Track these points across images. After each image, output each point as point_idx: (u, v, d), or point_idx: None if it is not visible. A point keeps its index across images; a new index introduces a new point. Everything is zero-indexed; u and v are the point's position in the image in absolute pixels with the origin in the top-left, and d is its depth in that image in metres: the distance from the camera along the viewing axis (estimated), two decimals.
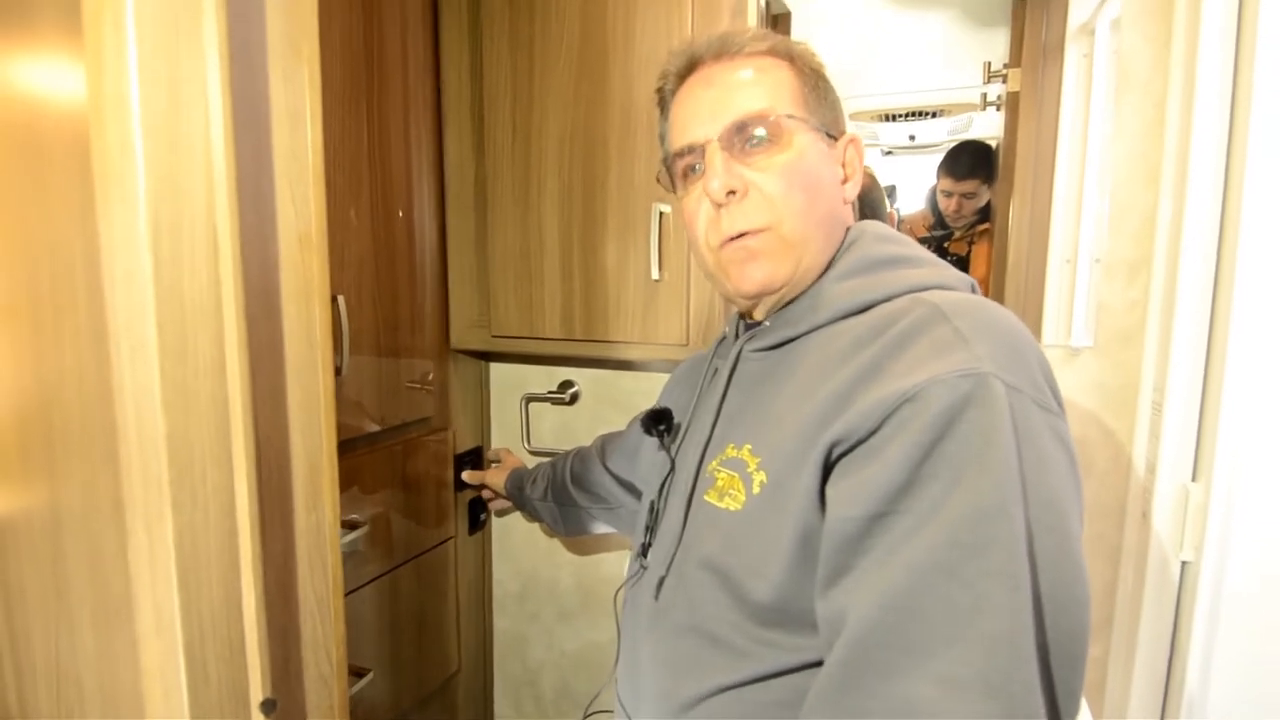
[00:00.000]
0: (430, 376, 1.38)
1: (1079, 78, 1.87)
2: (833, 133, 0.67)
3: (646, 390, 1.47)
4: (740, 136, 0.63)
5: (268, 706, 0.50)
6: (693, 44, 0.68)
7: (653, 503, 0.77)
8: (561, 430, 1.52)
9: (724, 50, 0.66)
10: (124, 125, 0.41)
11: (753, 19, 1.18)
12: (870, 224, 0.69)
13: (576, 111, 1.22)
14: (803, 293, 0.66)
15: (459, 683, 1.56)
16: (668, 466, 0.75)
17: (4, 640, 0.87)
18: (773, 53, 0.66)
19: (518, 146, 1.27)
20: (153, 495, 0.45)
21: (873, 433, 0.51)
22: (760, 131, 0.63)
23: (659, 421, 0.79)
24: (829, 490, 0.53)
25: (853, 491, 0.50)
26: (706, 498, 0.65)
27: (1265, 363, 0.89)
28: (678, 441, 0.77)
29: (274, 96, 0.51)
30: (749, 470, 0.60)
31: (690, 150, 0.65)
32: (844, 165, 0.68)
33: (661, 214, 1.18)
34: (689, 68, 0.67)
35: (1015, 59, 1.98)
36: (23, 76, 0.57)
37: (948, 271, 0.64)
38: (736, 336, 0.74)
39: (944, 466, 0.47)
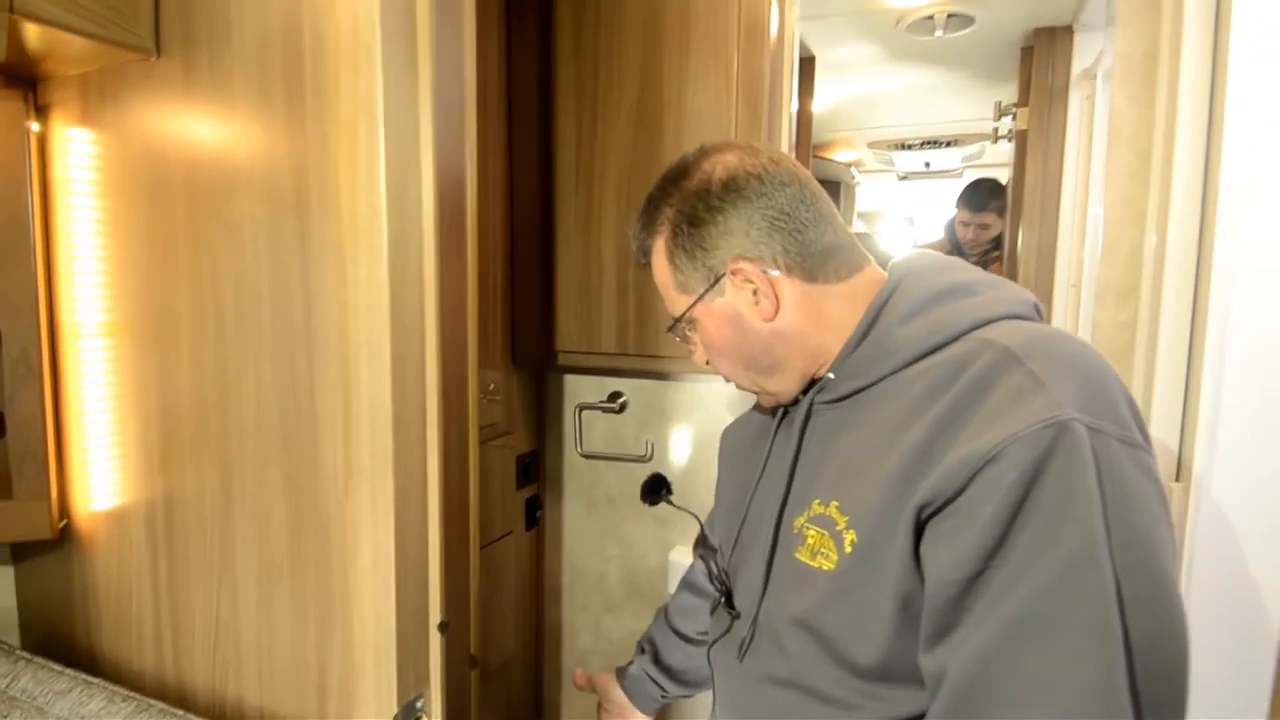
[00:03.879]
0: (493, 387, 1.55)
1: (1082, 119, 2.04)
2: (718, 274, 0.67)
3: (685, 401, 1.63)
4: (675, 329, 0.75)
5: (443, 627, 0.67)
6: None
7: (719, 563, 0.78)
8: (611, 436, 1.69)
9: (642, 260, 0.75)
10: (373, 197, 0.59)
11: (786, 68, 1.37)
12: (918, 257, 0.68)
13: (635, 156, 1.40)
14: (864, 339, 0.65)
15: (514, 666, 1.71)
16: (736, 525, 0.77)
17: (165, 603, 1.04)
18: (655, 232, 0.71)
19: (580, 186, 1.45)
20: (379, 465, 0.62)
21: (959, 493, 0.51)
22: (679, 327, 0.74)
23: (657, 490, 0.87)
24: (924, 552, 0.53)
25: (950, 556, 0.51)
26: (798, 556, 0.63)
27: (1237, 378, 1.04)
28: (750, 498, 0.76)
29: (449, 167, 0.68)
30: (838, 528, 0.59)
31: None
32: (754, 293, 0.67)
33: None
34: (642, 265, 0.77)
35: (1024, 99, 2.15)
36: (244, 144, 0.76)
37: (1006, 291, 0.63)
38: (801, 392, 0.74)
39: (1033, 521, 0.48)
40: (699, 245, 0.68)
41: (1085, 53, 2.03)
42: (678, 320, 0.72)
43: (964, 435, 0.52)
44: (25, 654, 1.06)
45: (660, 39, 1.38)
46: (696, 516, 0.84)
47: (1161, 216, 1.16)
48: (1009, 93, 2.57)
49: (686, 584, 1.01)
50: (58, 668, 1.02)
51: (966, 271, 0.66)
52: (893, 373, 0.62)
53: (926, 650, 0.53)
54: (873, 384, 0.63)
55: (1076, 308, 1.96)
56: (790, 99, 1.38)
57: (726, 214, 0.66)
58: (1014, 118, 2.25)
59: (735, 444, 0.88)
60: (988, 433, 0.50)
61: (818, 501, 0.62)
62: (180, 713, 0.93)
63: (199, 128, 0.94)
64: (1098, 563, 0.47)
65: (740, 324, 0.68)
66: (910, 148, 3.38)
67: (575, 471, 1.74)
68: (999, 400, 0.51)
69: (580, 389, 1.71)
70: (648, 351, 1.46)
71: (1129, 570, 0.47)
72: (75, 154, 1.05)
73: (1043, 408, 0.49)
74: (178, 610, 1.04)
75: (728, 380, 0.75)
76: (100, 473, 1.09)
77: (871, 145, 3.28)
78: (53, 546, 1.15)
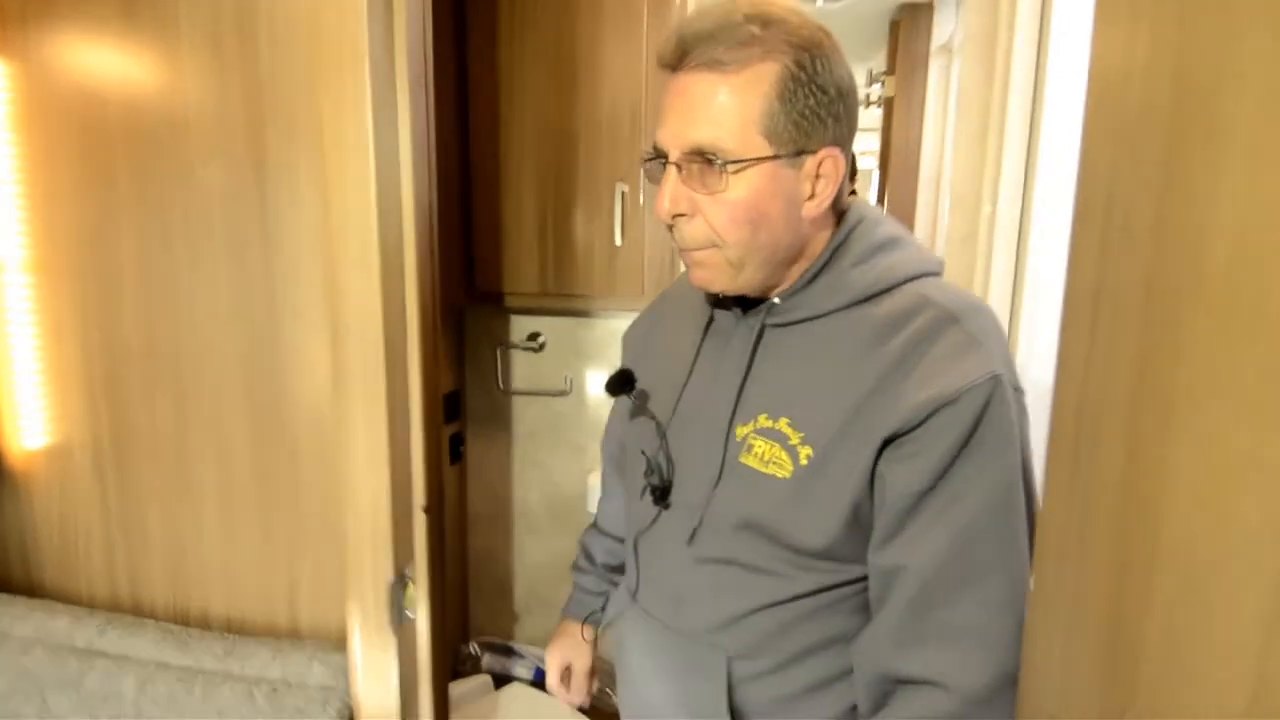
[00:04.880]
0: None
1: (939, 86, 2.32)
2: (806, 150, 0.65)
3: (601, 338, 1.78)
4: (693, 162, 0.64)
5: (426, 510, 0.79)
6: (684, 26, 0.64)
7: (652, 454, 0.78)
8: (531, 374, 1.81)
9: (704, 55, 0.63)
10: (361, 131, 0.68)
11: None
12: (866, 207, 0.73)
13: (552, 104, 1.50)
14: (819, 274, 0.70)
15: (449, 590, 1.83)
16: (657, 429, 0.79)
17: (117, 531, 1.08)
18: (764, 56, 0.62)
19: (500, 131, 1.53)
20: (372, 369, 0.72)
21: (919, 425, 0.62)
22: (713, 160, 0.63)
23: (627, 383, 0.82)
24: (883, 469, 0.64)
25: (907, 474, 0.63)
26: (744, 461, 0.69)
27: (1044, 298, 1.31)
28: (675, 398, 0.78)
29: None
30: (791, 443, 0.67)
31: (657, 152, 0.67)
32: (815, 181, 0.66)
33: (623, 192, 1.49)
34: (677, 58, 0.65)
35: (891, 68, 2.41)
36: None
37: (924, 250, 0.74)
38: (719, 304, 0.77)
39: (976, 453, 0.62)
40: (814, 106, 0.63)
41: (943, 27, 2.30)
42: (714, 155, 0.63)
43: (916, 378, 0.63)
44: None
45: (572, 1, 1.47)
46: (657, 421, 0.79)
47: (995, 172, 1.42)
48: (879, 62, 2.84)
49: (605, 485, 1.05)
50: (9, 595, 1.05)
51: (895, 226, 0.74)
52: (837, 310, 0.69)
53: (879, 548, 0.65)
54: (819, 316, 0.69)
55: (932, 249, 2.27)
56: None
57: (846, 98, 0.66)
58: (883, 85, 2.51)
59: (646, 340, 0.90)
60: (943, 380, 0.62)
61: (764, 416, 0.69)
62: (152, 620, 1.00)
63: (140, 62, 0.96)
64: (1018, 485, 0.63)
65: (791, 206, 0.66)
66: None
67: (496, 408, 1.86)
68: (945, 352, 0.63)
69: (498, 328, 1.81)
70: (565, 290, 1.59)
71: (1029, 489, 0.65)
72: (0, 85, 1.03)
73: (982, 362, 0.62)
74: (131, 536, 1.08)
75: (691, 248, 0.68)
76: (33, 410, 1.10)
77: None
78: None
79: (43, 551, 1.13)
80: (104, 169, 1.00)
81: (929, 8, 2.31)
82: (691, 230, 0.67)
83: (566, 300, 1.60)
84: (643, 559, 0.81)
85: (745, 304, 0.74)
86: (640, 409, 0.81)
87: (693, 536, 0.73)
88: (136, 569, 1.08)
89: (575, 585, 1.04)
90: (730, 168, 0.63)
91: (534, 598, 1.93)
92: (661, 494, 0.76)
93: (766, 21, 0.63)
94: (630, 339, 0.95)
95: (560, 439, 1.84)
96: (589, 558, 1.03)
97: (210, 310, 0.98)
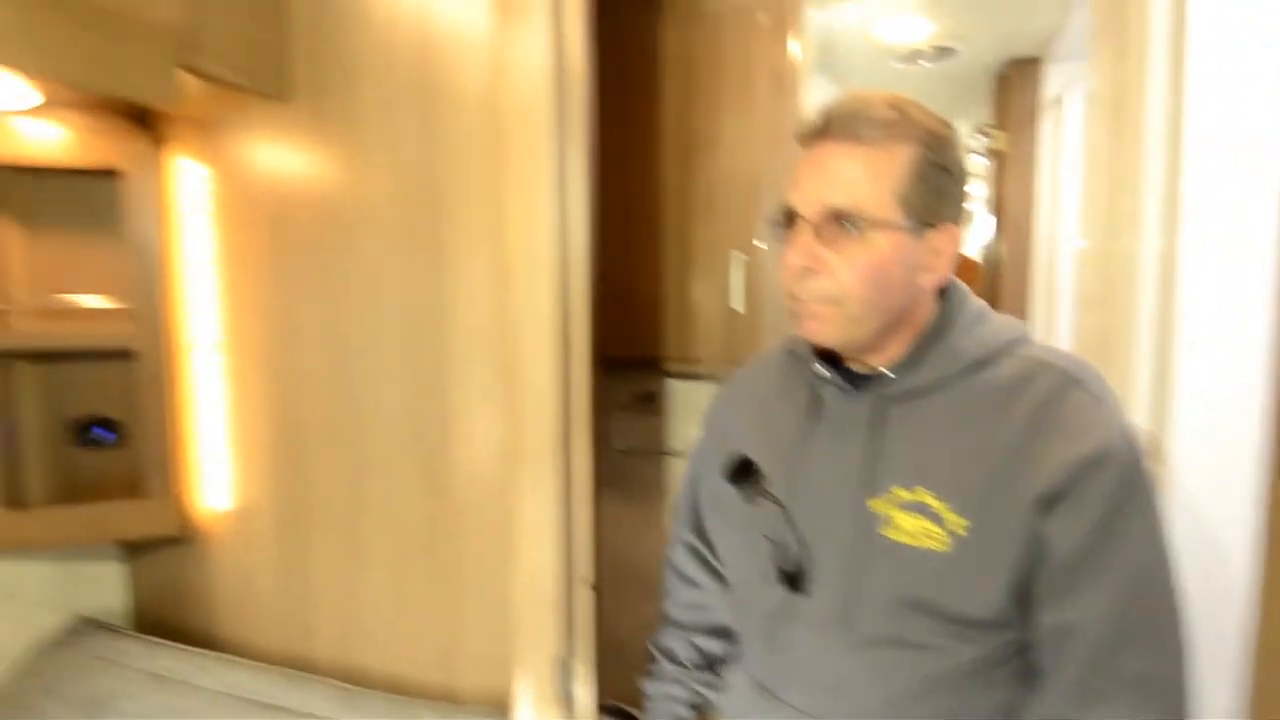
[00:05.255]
0: None
1: (1053, 141, 2.27)
2: (930, 223, 0.70)
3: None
4: (827, 223, 0.69)
5: (592, 587, 0.82)
6: (831, 107, 0.71)
7: (777, 537, 0.76)
8: (647, 434, 1.85)
9: (847, 131, 0.69)
10: (543, 224, 0.75)
11: (800, 101, 1.55)
12: (958, 282, 0.77)
13: (674, 182, 1.57)
14: (932, 343, 0.73)
15: None
16: (777, 510, 0.77)
17: (293, 589, 1.17)
18: (897, 137, 0.69)
19: (630, 208, 1.61)
20: (547, 444, 0.77)
21: (1070, 483, 0.65)
22: (849, 222, 0.68)
23: (749, 472, 0.80)
24: (1041, 529, 0.66)
25: (1069, 531, 0.65)
26: (888, 535, 0.70)
27: (1202, 370, 1.25)
28: (792, 478, 0.78)
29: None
30: (939, 514, 0.69)
31: (790, 212, 0.72)
32: (934, 254, 0.71)
33: (744, 261, 1.52)
34: (819, 132, 0.71)
35: (1001, 121, 2.38)
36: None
37: (1014, 320, 0.77)
38: (821, 378, 0.77)
39: (1132, 504, 0.66)
40: (939, 186, 0.70)
41: (1054, 82, 2.26)
42: (850, 218, 0.68)
43: (1054, 438, 0.67)
44: (156, 639, 1.17)
45: (695, 80, 1.55)
46: (780, 504, 0.77)
47: (1133, 235, 1.37)
48: (981, 114, 2.81)
49: (682, 577, 0.95)
50: (193, 649, 1.14)
51: (975, 298, 0.78)
52: (952, 377, 0.72)
53: (1048, 607, 0.67)
54: (936, 385, 0.72)
55: (1052, 312, 2.19)
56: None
57: (960, 182, 0.72)
58: (990, 137, 2.48)
59: (736, 422, 0.87)
60: (1084, 437, 0.66)
61: (898, 488, 0.71)
62: (320, 678, 1.06)
63: (326, 162, 1.07)
64: (1165, 536, 0.67)
65: (911, 273, 0.70)
66: None
67: (614, 468, 1.89)
68: (1075, 412, 0.68)
69: (614, 388, 1.86)
70: (682, 355, 1.63)
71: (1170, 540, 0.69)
72: (192, 186, 1.17)
73: (1112, 419, 0.68)
74: (305, 596, 1.16)
75: (811, 300, 0.71)
76: (219, 475, 1.21)
77: None
78: (168, 544, 1.25)
79: (222, 605, 1.23)
80: (291, 259, 1.11)
81: (1037, 62, 2.29)
82: (816, 285, 0.70)
83: (682, 364, 1.64)
84: (779, 649, 0.77)
85: (849, 377, 0.75)
86: (759, 493, 0.79)
87: (845, 619, 0.72)
88: (308, 626, 1.16)
89: (655, 697, 0.92)
90: (865, 230, 0.68)
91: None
92: (794, 579, 0.75)
93: (902, 110, 0.70)
94: (715, 421, 0.91)
95: (672, 502, 1.85)
96: (673, 660, 0.93)
97: (386, 389, 1.07)
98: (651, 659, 0.95)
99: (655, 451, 1.84)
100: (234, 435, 1.20)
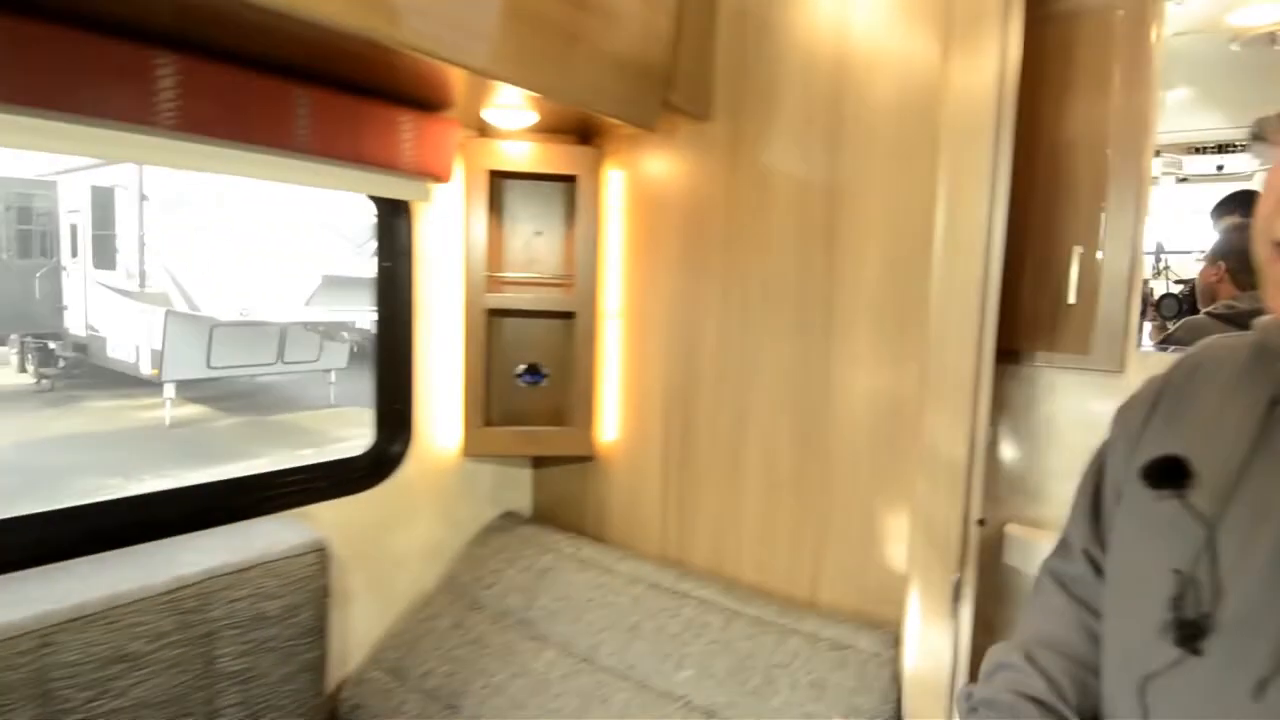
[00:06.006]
0: None
1: None
2: None
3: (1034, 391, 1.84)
4: None
5: (981, 523, 0.98)
6: None
7: (1182, 574, 0.61)
8: None
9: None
10: (976, 229, 0.92)
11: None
12: None
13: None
14: None
15: None
16: (1198, 531, 0.61)
17: (672, 506, 1.46)
18: None
19: None
20: (960, 395, 0.95)
21: None
22: None
23: (1179, 474, 0.64)
24: None
25: None
26: None
27: None
28: (1228, 495, 0.61)
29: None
30: None
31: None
32: None
33: (1079, 253, 1.57)
34: None
35: None
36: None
37: None
38: None
39: None
40: None
41: None
42: None
43: None
44: (572, 533, 1.53)
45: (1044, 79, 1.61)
46: (1206, 523, 0.60)
47: None
48: None
49: (1072, 592, 0.76)
50: (604, 543, 1.48)
51: None
52: None
53: None
54: None
55: None
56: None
57: None
58: None
59: (1159, 418, 0.70)
60: None
61: None
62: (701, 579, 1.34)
63: (735, 165, 1.33)
64: None
65: None
66: (1203, 151, 3.27)
67: None
68: None
69: None
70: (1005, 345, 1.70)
71: None
72: (616, 189, 1.51)
73: None
74: (684, 512, 1.45)
75: None
76: (614, 414, 1.55)
77: (1165, 149, 3.20)
78: (567, 460, 1.62)
79: (613, 514, 1.57)
80: (697, 246, 1.39)
81: None
82: None
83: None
84: (1160, 708, 0.61)
85: None
86: (1184, 506, 0.62)
87: (1263, 694, 0.55)
88: (684, 537, 1.45)
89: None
90: None
91: None
92: (1194, 631, 0.58)
93: None
94: (1131, 415, 0.73)
95: None
96: (1054, 688, 0.71)
97: (772, 354, 1.31)
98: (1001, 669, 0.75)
99: None
100: (631, 383, 1.52)
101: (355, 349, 9.73)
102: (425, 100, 1.26)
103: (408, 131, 1.25)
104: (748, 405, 1.35)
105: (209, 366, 8.43)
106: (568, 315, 1.52)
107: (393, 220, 1.39)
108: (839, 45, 1.19)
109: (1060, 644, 0.73)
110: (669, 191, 1.43)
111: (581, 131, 1.49)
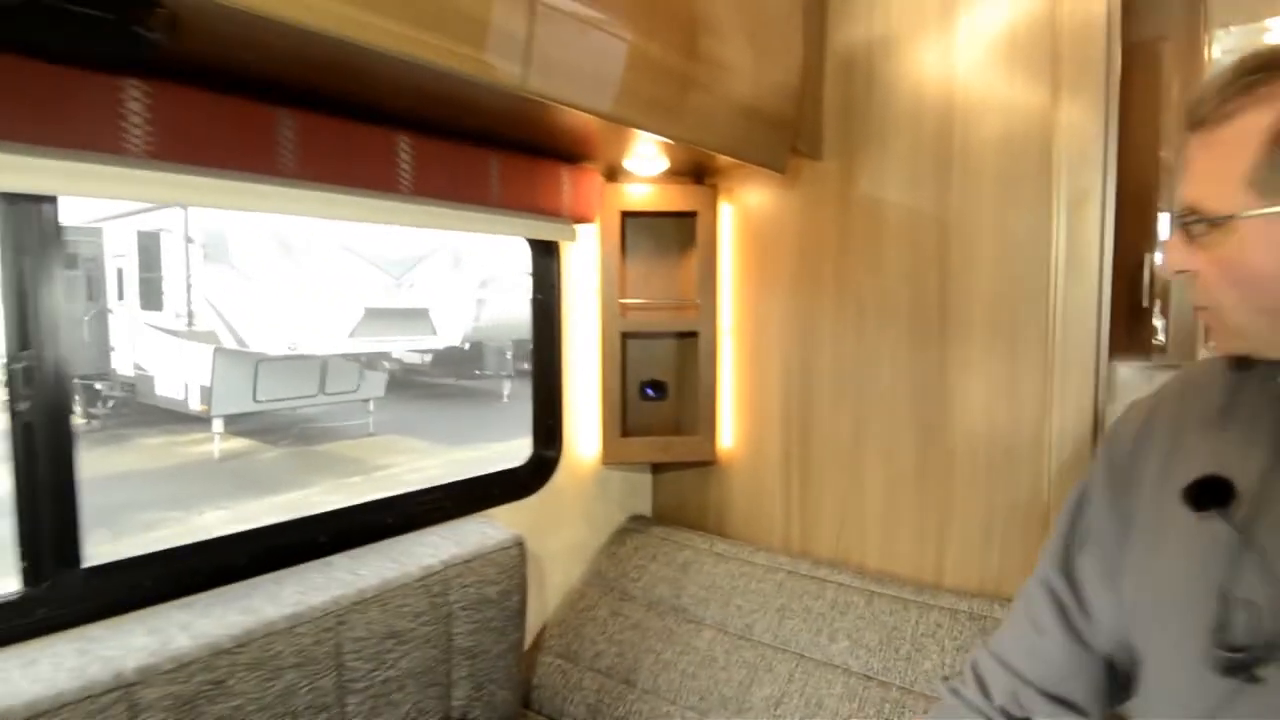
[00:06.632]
0: None
1: None
2: None
3: None
4: (1186, 221, 0.62)
5: None
6: (1191, 94, 0.64)
7: (1227, 595, 0.59)
8: None
9: (1194, 116, 0.62)
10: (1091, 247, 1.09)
11: None
12: None
13: None
14: None
15: None
16: (1232, 544, 0.60)
17: (795, 504, 1.62)
18: (1256, 104, 0.58)
19: None
20: (1079, 423, 1.12)
21: None
22: (1195, 222, 0.60)
23: (1223, 492, 0.62)
24: None
25: None
26: None
27: None
28: (1255, 513, 0.60)
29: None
30: None
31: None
32: None
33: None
34: (1188, 125, 0.63)
35: None
36: None
37: None
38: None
39: None
40: None
41: None
42: (1194, 216, 0.60)
43: None
44: (703, 531, 1.70)
45: None
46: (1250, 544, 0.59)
47: None
48: None
49: (1030, 618, 0.81)
50: (737, 540, 1.65)
51: None
52: None
53: None
54: None
55: None
56: None
57: None
58: None
59: (1154, 437, 0.72)
60: None
61: None
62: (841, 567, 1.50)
63: (853, 200, 1.51)
64: None
65: None
66: None
67: None
68: None
69: None
70: None
71: None
72: (729, 222, 1.69)
73: None
74: (806, 507, 1.61)
75: (1197, 306, 0.64)
76: (730, 421, 1.72)
77: None
78: (683, 466, 1.79)
79: (734, 513, 1.73)
80: (812, 270, 1.57)
81: None
82: (1192, 290, 0.64)
83: None
84: None
85: None
86: (1236, 528, 0.60)
87: None
88: (808, 531, 1.61)
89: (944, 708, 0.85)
90: (1206, 226, 0.60)
91: None
92: (1245, 662, 0.56)
93: (1268, 66, 0.58)
94: (1122, 440, 0.77)
95: None
96: (984, 692, 0.81)
97: (889, 363, 1.47)
98: (958, 674, 0.87)
99: None
100: (747, 393, 1.70)
101: (391, 378, 9.99)
102: (576, 155, 1.46)
103: (566, 183, 1.45)
104: (866, 409, 1.51)
105: (255, 400, 8.71)
106: (689, 335, 1.70)
107: (545, 259, 1.58)
108: (945, 90, 1.37)
109: (1010, 662, 0.81)
110: (781, 221, 1.62)
111: (697, 172, 1.68)
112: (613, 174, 1.63)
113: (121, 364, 10.21)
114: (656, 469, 1.88)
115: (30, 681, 0.82)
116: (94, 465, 8.41)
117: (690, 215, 1.66)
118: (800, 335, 1.60)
